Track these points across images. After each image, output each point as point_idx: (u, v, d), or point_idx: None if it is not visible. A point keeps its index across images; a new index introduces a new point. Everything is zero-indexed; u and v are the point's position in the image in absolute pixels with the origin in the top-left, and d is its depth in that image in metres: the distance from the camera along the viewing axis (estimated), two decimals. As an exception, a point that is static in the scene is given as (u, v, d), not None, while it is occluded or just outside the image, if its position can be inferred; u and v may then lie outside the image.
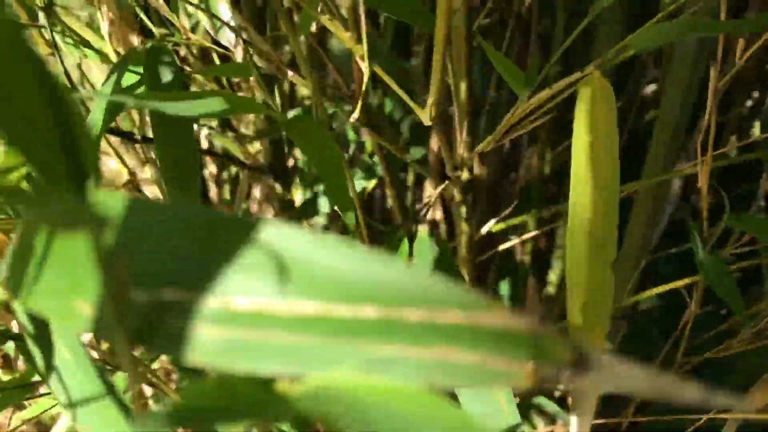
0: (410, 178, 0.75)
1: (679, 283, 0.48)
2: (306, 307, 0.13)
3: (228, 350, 0.14)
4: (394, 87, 0.27)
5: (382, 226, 0.35)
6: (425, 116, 0.29)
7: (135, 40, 0.61)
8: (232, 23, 0.33)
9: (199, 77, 0.51)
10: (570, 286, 0.24)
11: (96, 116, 0.29)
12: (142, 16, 0.44)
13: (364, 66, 0.26)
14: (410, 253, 0.33)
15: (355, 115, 0.31)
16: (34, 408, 0.42)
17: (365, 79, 0.26)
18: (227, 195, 0.88)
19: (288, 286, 0.13)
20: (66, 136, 0.12)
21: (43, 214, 0.13)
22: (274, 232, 0.14)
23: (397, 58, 0.62)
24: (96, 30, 0.49)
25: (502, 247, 0.49)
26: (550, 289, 0.70)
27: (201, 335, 0.14)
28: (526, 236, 0.50)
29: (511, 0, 0.56)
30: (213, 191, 0.87)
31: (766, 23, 0.26)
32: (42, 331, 0.21)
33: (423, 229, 0.31)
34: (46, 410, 0.39)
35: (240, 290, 0.14)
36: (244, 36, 0.38)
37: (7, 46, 0.11)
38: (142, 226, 0.15)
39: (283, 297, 0.13)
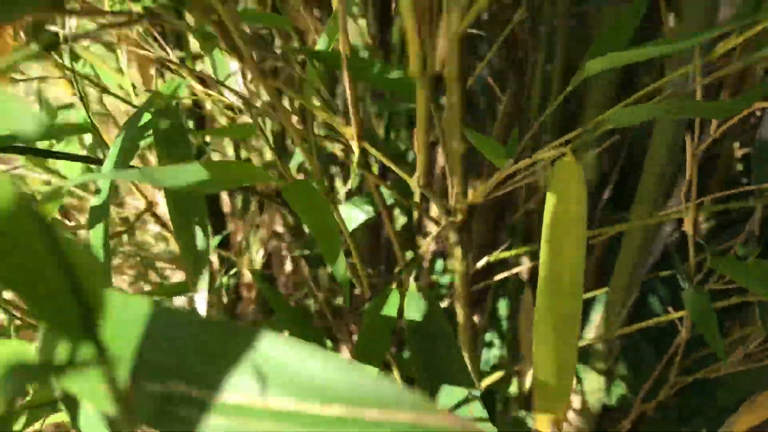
0: (416, 198, 0.77)
1: (671, 316, 0.50)
2: (284, 404, 0.16)
3: (223, 436, 0.17)
4: (385, 160, 0.30)
5: (376, 277, 0.37)
6: (413, 183, 0.31)
7: (153, 73, 0.64)
8: (240, 86, 0.36)
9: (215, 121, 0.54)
10: (536, 360, 0.26)
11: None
12: (162, 52, 0.47)
13: (354, 146, 0.28)
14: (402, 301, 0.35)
15: (354, 163, 0.34)
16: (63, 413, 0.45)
17: (356, 158, 0.29)
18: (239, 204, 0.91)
19: (270, 385, 0.17)
20: (71, 284, 0.15)
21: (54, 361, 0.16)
22: (262, 339, 0.17)
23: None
24: (116, 68, 0.52)
25: (498, 276, 0.51)
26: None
27: (203, 424, 0.17)
28: (521, 268, 0.52)
29: (513, 48, 0.58)
30: (227, 205, 0.90)
31: (738, 109, 0.27)
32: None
33: (413, 285, 0.34)
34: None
35: (232, 387, 0.17)
36: (252, 94, 0.40)
37: (12, 209, 0.14)
38: (157, 328, 0.18)
39: (266, 394, 0.16)
